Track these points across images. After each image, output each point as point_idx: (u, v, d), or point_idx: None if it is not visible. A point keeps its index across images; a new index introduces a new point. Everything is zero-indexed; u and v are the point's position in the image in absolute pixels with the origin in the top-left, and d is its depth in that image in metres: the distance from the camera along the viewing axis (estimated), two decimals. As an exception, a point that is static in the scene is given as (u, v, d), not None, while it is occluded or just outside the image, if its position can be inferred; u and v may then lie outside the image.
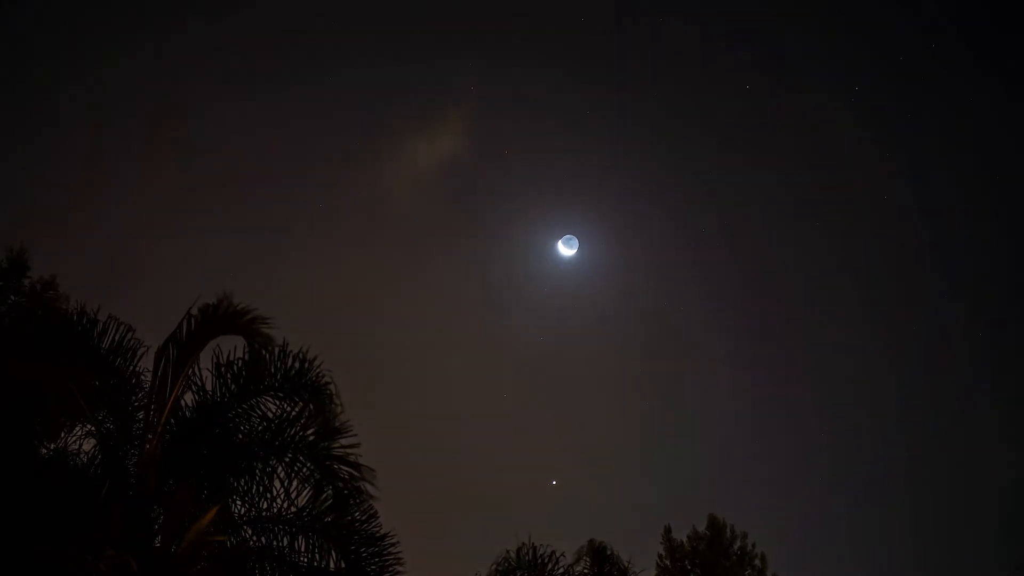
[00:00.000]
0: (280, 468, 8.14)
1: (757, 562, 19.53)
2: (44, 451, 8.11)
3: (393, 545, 8.31)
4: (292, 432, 8.27)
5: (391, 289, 26.95)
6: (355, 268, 27.00)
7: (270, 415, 8.33)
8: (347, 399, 8.35)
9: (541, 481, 25.87)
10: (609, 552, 12.05)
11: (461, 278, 27.92)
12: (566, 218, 26.23)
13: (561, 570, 11.53)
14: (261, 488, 8.13)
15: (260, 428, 8.33)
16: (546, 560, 11.41)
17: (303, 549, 8.02)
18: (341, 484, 8.09)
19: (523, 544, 11.46)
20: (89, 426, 7.93)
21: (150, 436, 7.60)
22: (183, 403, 8.10)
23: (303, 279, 25.95)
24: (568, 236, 25.16)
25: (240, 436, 8.30)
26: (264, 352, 8.24)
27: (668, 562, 19.75)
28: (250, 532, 8.11)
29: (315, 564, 8.02)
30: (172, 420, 7.90)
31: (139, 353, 8.22)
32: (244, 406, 8.32)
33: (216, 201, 25.62)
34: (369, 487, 8.14)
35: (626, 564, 12.11)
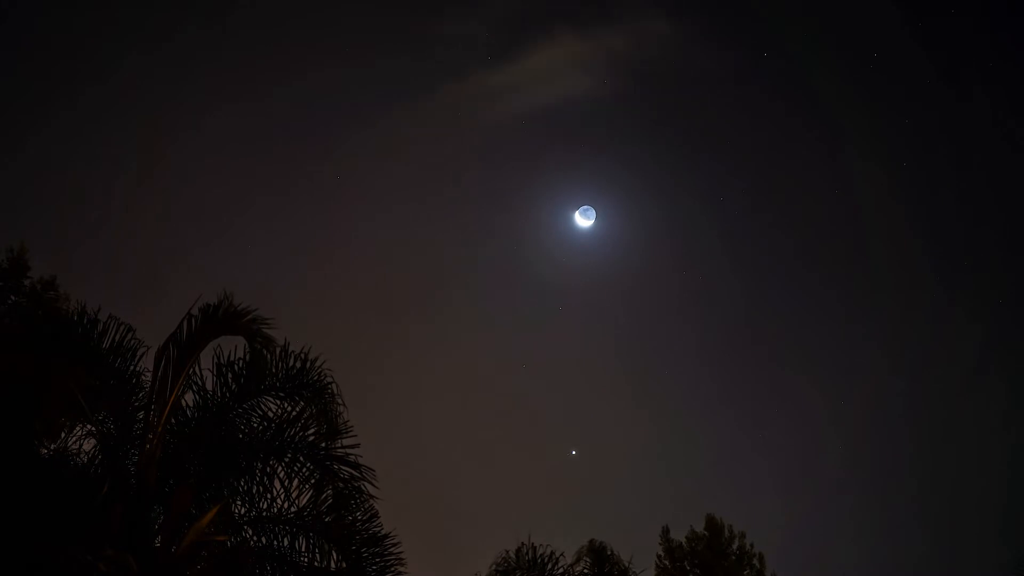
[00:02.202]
0: (280, 468, 8.13)
1: (755, 562, 19.53)
2: (44, 451, 8.10)
3: (395, 545, 8.31)
4: (292, 432, 8.26)
5: (388, 279, 26.89)
6: (356, 252, 26.95)
7: (271, 415, 8.33)
8: (351, 394, 8.34)
9: (561, 452, 25.76)
10: (609, 552, 12.06)
11: (466, 254, 27.68)
12: (582, 188, 25.58)
13: (561, 570, 11.53)
14: (261, 488, 8.12)
15: (260, 428, 8.32)
16: (546, 560, 11.40)
17: (304, 549, 8.02)
18: (341, 484, 8.08)
19: (523, 544, 11.46)
20: (89, 426, 7.90)
21: (150, 436, 7.58)
22: (183, 403, 8.08)
23: (304, 269, 25.99)
24: (585, 207, 24.35)
25: (241, 436, 8.28)
26: (265, 352, 8.23)
27: (667, 562, 19.76)
28: (250, 532, 8.09)
29: (316, 564, 8.01)
30: (172, 420, 7.88)
31: (139, 353, 8.19)
32: (245, 406, 8.31)
33: (218, 202, 25.62)
34: (369, 486, 8.15)
35: (626, 564, 12.12)
